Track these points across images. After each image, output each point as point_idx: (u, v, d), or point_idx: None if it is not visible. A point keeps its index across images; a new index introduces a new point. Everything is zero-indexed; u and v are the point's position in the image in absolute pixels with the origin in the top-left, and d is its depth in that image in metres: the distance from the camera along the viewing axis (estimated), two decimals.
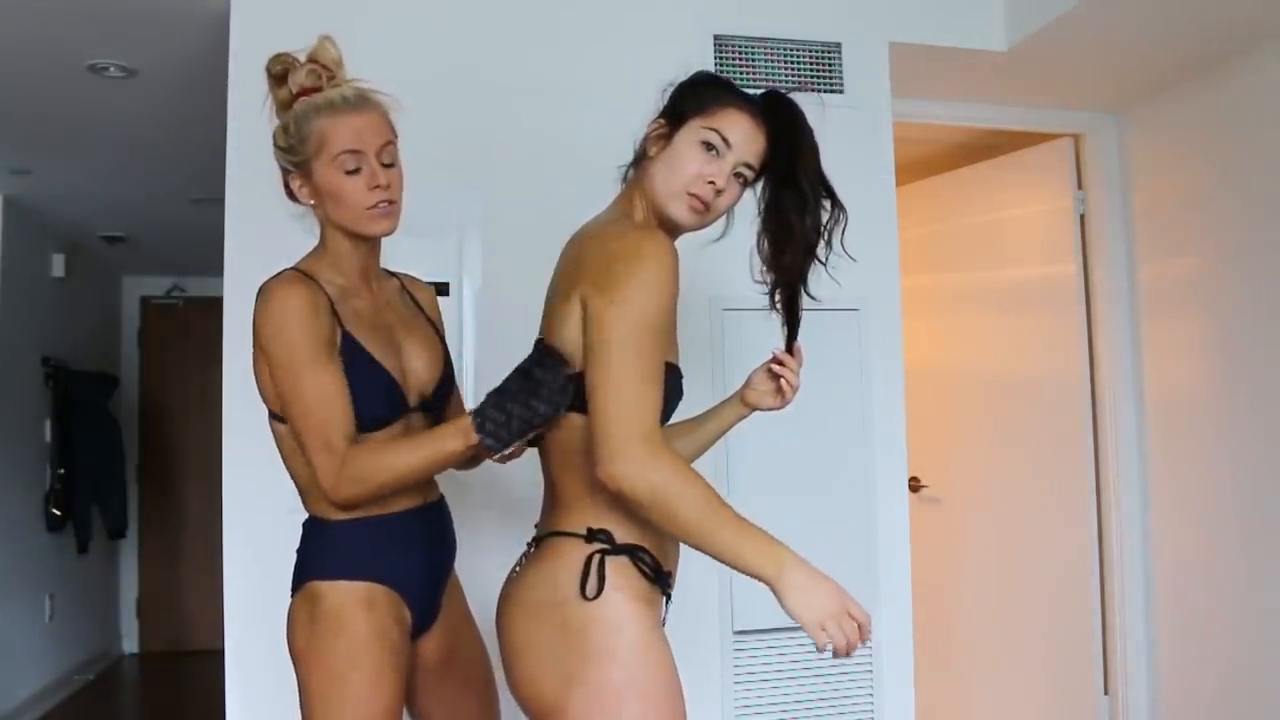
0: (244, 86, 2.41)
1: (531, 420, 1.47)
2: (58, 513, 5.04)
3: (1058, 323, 3.44)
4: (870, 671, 2.70)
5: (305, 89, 1.62)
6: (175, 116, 3.37)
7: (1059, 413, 3.41)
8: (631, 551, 1.47)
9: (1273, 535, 2.83)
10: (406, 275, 1.87)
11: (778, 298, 1.63)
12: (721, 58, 2.71)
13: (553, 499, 1.57)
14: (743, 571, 1.38)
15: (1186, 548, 3.16)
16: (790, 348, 1.71)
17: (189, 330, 6.11)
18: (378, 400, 1.60)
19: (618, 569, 1.45)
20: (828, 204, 1.58)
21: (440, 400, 1.75)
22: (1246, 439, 2.93)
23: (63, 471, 5.12)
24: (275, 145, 1.64)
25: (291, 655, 1.63)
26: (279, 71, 1.64)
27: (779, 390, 1.74)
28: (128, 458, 5.94)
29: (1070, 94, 3.25)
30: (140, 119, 3.43)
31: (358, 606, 1.59)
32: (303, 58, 1.64)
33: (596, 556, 1.45)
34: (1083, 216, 3.41)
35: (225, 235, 2.39)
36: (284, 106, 1.64)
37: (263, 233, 2.39)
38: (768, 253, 1.61)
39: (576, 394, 1.47)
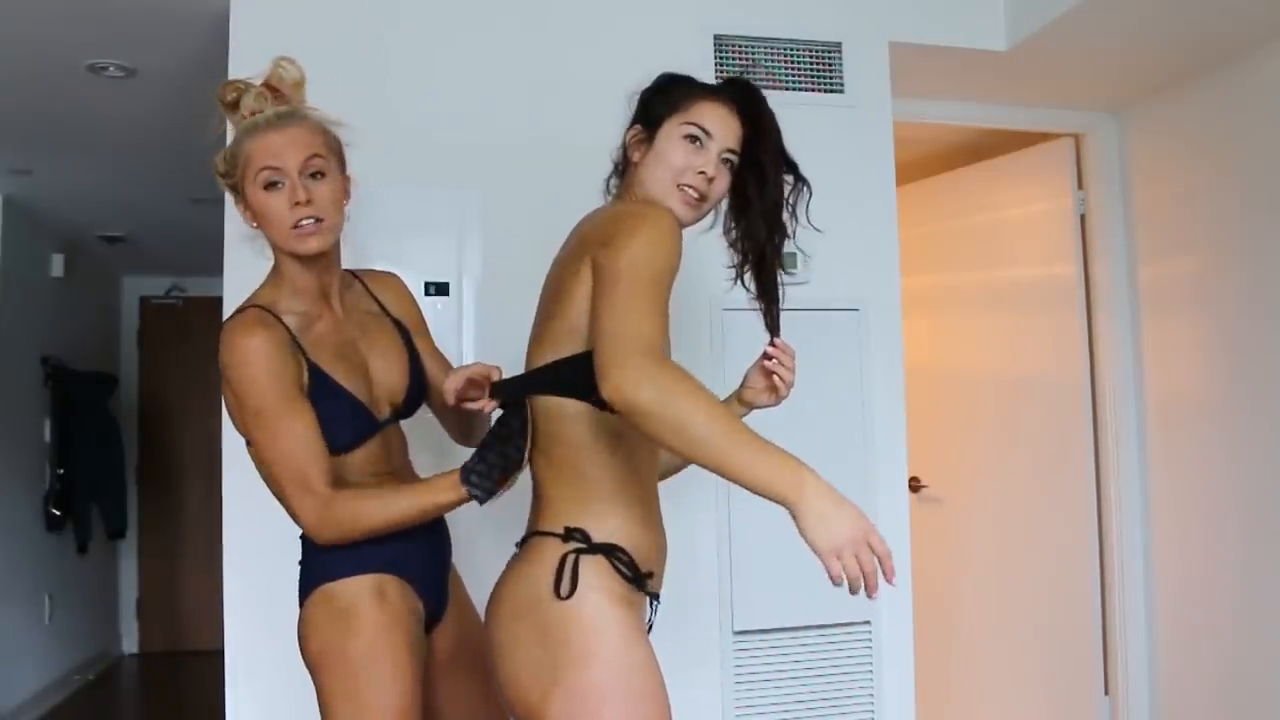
0: None
1: (505, 466, 1.52)
2: (57, 513, 5.04)
3: (1058, 323, 3.44)
4: (871, 672, 2.70)
5: (254, 114, 1.62)
6: (175, 116, 3.36)
7: (1059, 413, 3.41)
8: (608, 551, 1.46)
9: (1273, 535, 2.83)
10: (368, 271, 1.85)
11: (749, 279, 1.65)
12: (721, 58, 2.71)
13: (536, 497, 1.57)
14: (759, 492, 1.27)
15: (1187, 547, 3.16)
16: (774, 332, 1.69)
17: (189, 330, 6.11)
18: (347, 426, 1.61)
19: (595, 569, 1.45)
20: (790, 179, 1.62)
21: (412, 405, 1.75)
22: (1246, 438, 2.93)
23: (62, 471, 5.12)
24: (215, 172, 1.66)
25: (307, 664, 1.62)
26: (232, 99, 1.63)
27: (773, 387, 1.74)
28: (127, 458, 5.94)
29: (1070, 94, 3.25)
30: (140, 119, 3.43)
31: (371, 598, 1.60)
32: (258, 82, 1.63)
33: (571, 556, 1.44)
34: (1083, 216, 3.41)
35: (225, 235, 2.39)
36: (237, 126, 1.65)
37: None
38: (732, 226, 1.65)
39: (562, 379, 1.49)
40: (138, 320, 6.34)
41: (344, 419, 1.61)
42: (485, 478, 1.53)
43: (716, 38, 2.71)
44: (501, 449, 1.52)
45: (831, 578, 1.25)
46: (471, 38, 2.57)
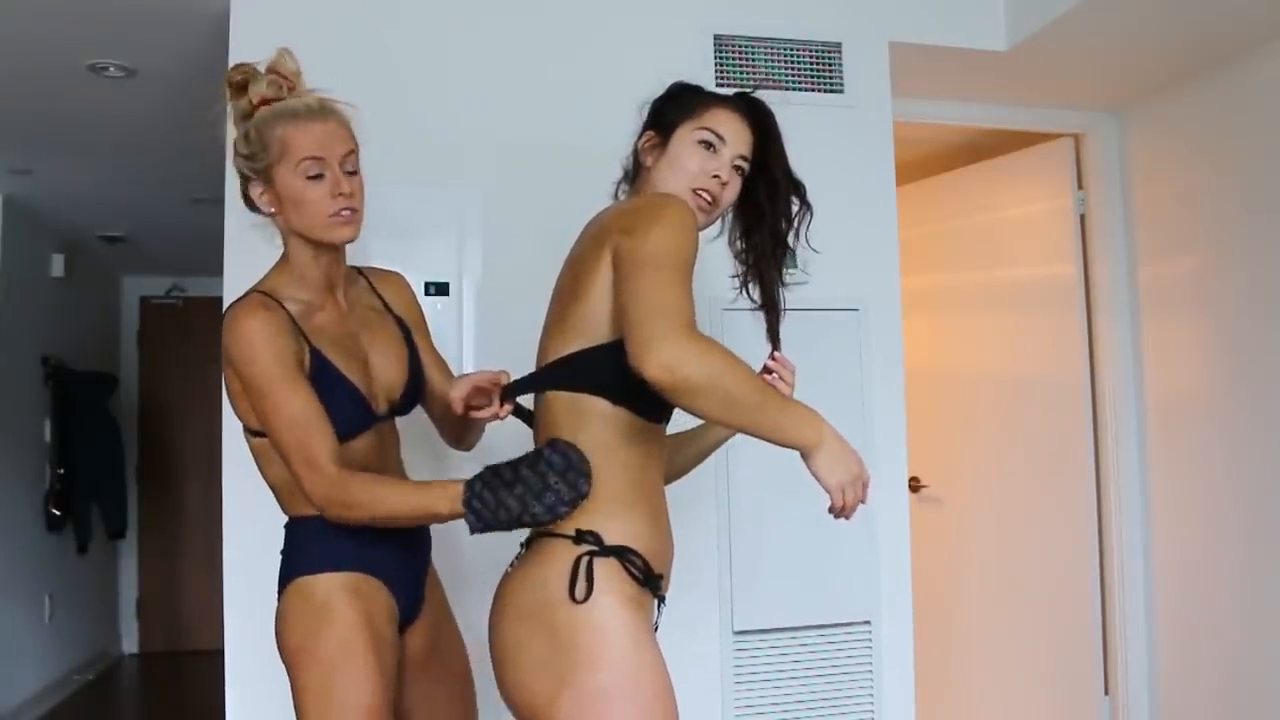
0: None
1: (520, 519, 1.44)
2: (57, 513, 5.04)
3: (1058, 323, 3.44)
4: (871, 671, 2.70)
5: (265, 99, 1.63)
6: (175, 116, 3.36)
7: (1059, 413, 3.41)
8: (621, 553, 1.46)
9: (1273, 535, 2.83)
10: (372, 269, 1.86)
11: (751, 287, 1.68)
12: (721, 58, 2.71)
13: None
14: (784, 443, 1.40)
15: (1187, 547, 3.16)
16: (775, 339, 1.71)
17: (189, 330, 6.11)
18: (344, 415, 1.62)
19: (607, 571, 1.44)
20: (795, 201, 1.66)
21: (409, 403, 1.77)
22: (1247, 438, 2.93)
23: (62, 471, 5.12)
24: (236, 152, 1.66)
25: (283, 656, 1.63)
26: (239, 81, 1.65)
27: None
28: (127, 458, 5.94)
29: (1070, 94, 3.25)
30: (140, 119, 3.43)
31: (345, 595, 1.60)
32: (262, 69, 1.65)
33: (585, 559, 1.44)
34: (1083, 216, 3.41)
35: (225, 235, 2.39)
36: (244, 116, 1.66)
37: (262, 233, 2.39)
38: (739, 238, 1.69)
39: (571, 372, 1.49)
40: (138, 320, 6.34)
41: (342, 408, 1.62)
42: (490, 516, 1.44)
43: (716, 38, 2.71)
44: (524, 498, 1.42)
45: (833, 507, 1.43)
46: (471, 38, 2.57)
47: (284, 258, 1.70)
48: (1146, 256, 3.31)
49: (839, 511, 1.43)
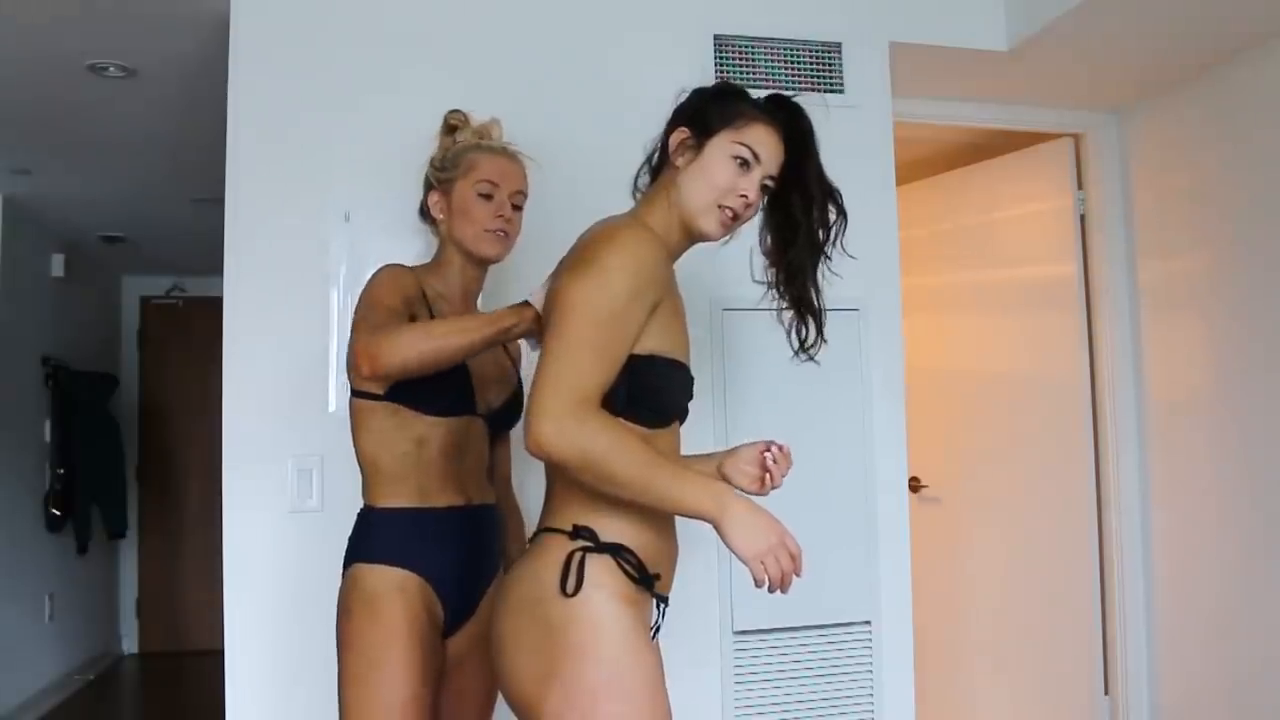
0: (244, 86, 2.41)
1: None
2: (57, 513, 5.04)
3: (1058, 323, 3.44)
4: (871, 671, 2.70)
5: (462, 144, 1.94)
6: (175, 116, 3.37)
7: (1059, 413, 3.41)
8: (615, 551, 1.47)
9: (1273, 534, 2.83)
10: None
11: (784, 297, 1.67)
12: (721, 58, 2.71)
13: (548, 494, 1.57)
14: (686, 514, 1.42)
15: (1187, 547, 3.16)
16: (813, 343, 1.69)
17: (189, 330, 6.11)
18: (448, 390, 1.76)
19: (601, 568, 1.45)
20: (831, 207, 1.65)
21: (504, 418, 1.91)
22: (1247, 439, 2.93)
23: (62, 471, 5.12)
24: (430, 165, 1.95)
25: (336, 638, 1.75)
26: (452, 124, 1.96)
27: (759, 479, 1.72)
28: (128, 458, 5.94)
29: (1070, 94, 3.25)
30: (140, 119, 3.43)
31: (392, 592, 1.72)
32: (474, 123, 1.96)
33: (577, 554, 1.45)
34: (1083, 216, 3.41)
35: (225, 235, 2.39)
36: (444, 149, 1.95)
37: (263, 233, 2.40)
38: (772, 250, 1.67)
39: None
40: (138, 320, 6.34)
41: (446, 384, 1.75)
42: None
43: (716, 38, 2.71)
44: None
45: (755, 581, 1.39)
46: (470, 38, 2.57)
47: (434, 260, 1.94)
48: (1146, 256, 3.31)
49: (767, 585, 1.39)
